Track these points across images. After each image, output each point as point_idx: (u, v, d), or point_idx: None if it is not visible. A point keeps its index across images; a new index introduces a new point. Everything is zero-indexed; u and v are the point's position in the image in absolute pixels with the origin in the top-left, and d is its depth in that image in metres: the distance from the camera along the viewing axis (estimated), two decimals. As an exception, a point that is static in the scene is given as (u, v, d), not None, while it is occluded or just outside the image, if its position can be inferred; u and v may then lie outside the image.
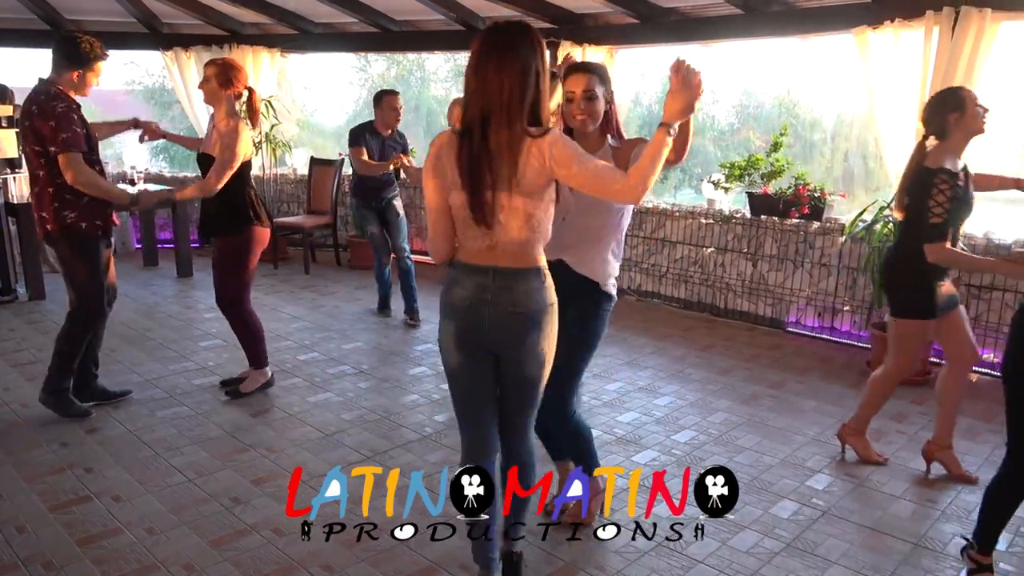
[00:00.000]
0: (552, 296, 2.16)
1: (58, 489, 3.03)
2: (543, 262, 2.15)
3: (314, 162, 7.50)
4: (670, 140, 1.99)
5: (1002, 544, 2.94)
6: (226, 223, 3.82)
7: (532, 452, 2.35)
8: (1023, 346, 2.34)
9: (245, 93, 3.79)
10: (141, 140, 4.07)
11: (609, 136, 2.59)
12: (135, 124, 4.05)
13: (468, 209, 2.05)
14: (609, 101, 2.53)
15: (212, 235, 3.90)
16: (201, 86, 3.76)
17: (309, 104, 15.09)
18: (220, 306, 4.02)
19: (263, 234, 3.90)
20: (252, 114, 3.88)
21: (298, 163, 8.24)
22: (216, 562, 2.57)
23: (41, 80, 3.50)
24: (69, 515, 2.84)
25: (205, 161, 3.79)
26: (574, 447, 2.81)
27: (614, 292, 2.66)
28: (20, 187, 6.02)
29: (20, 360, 4.55)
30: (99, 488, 3.04)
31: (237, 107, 3.81)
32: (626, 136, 2.66)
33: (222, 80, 3.69)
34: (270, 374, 4.12)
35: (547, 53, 2.07)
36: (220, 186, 3.68)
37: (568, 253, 2.56)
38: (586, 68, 2.52)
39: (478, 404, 2.24)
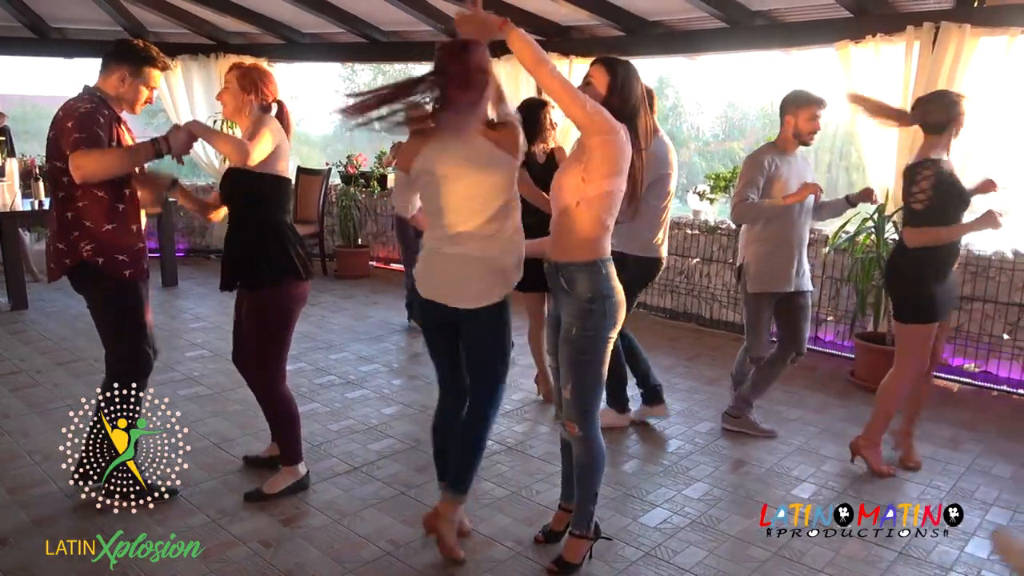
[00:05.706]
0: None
1: (41, 502, 3.00)
2: None
3: (301, 171, 7.49)
4: None
5: (1003, 519, 2.99)
6: (261, 271, 2.92)
7: None
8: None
9: (275, 107, 3.04)
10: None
11: None
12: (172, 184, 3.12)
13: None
14: None
15: (243, 286, 3.01)
16: (220, 97, 2.98)
17: (296, 113, 15.11)
18: (247, 374, 3.17)
19: (305, 290, 3.03)
20: (284, 130, 3.03)
21: (285, 172, 8.22)
22: (203, 574, 2.56)
23: (85, 86, 2.94)
24: (54, 528, 2.82)
25: (233, 177, 2.97)
26: None
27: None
28: (3, 196, 5.98)
29: (2, 371, 4.51)
30: (84, 500, 3.00)
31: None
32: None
33: (245, 84, 2.93)
34: (304, 471, 3.17)
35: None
36: (256, 155, 2.81)
37: None
38: None
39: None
